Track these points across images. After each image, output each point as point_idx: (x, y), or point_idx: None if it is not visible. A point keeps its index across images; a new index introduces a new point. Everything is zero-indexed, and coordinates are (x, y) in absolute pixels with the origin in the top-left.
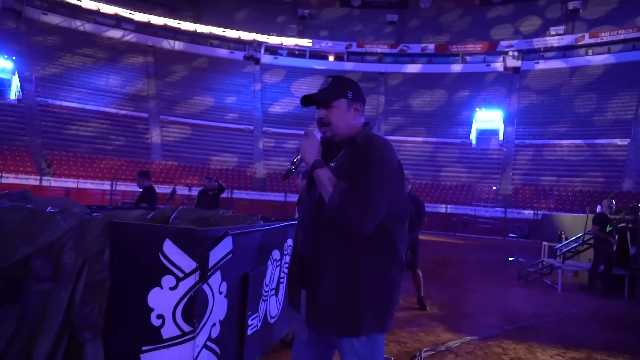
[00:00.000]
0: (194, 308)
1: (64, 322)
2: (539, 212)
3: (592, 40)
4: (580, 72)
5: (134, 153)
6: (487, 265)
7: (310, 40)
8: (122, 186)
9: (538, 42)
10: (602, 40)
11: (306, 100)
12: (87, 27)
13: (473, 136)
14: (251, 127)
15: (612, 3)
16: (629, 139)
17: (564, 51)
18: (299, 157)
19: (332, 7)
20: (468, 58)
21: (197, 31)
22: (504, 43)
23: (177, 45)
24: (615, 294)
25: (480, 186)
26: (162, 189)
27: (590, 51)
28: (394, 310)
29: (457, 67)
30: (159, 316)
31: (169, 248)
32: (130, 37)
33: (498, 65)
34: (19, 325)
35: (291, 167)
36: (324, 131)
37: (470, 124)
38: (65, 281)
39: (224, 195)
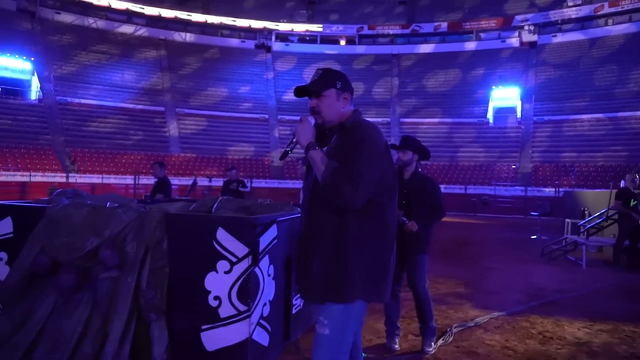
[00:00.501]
0: (248, 289)
1: (133, 305)
2: (560, 189)
3: (612, 10)
4: (600, 44)
5: (153, 147)
6: (509, 244)
7: (321, 25)
8: (144, 180)
9: (555, 15)
10: (623, 9)
11: (299, 92)
12: (100, 23)
13: (490, 115)
14: (266, 116)
15: None
16: None
17: (582, 22)
18: (294, 140)
19: None
20: (482, 35)
21: (207, 22)
22: (519, 17)
23: (189, 37)
24: (638, 267)
25: (499, 165)
26: (183, 180)
27: (610, 21)
28: (389, 279)
29: (471, 45)
30: (216, 297)
31: (222, 235)
32: (142, 31)
33: (514, 41)
34: (93, 309)
35: (287, 149)
36: (316, 119)
37: (487, 103)
38: (130, 269)
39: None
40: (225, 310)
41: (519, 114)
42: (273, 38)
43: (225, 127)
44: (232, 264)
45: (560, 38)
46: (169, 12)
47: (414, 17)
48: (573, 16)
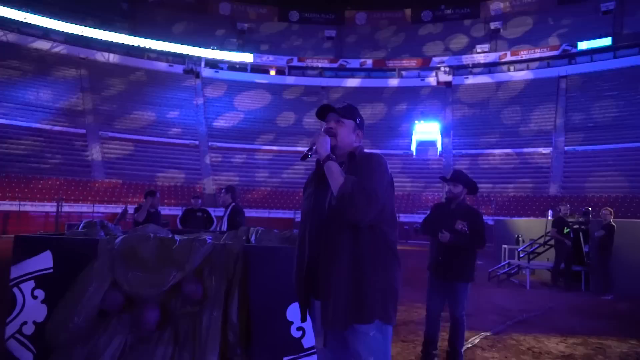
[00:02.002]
0: None
1: (222, 341)
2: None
3: (513, 58)
4: (505, 87)
5: (74, 171)
6: None
7: (252, 55)
8: (66, 207)
9: (466, 59)
10: (522, 58)
11: (321, 112)
12: (11, 37)
13: (413, 147)
14: (196, 142)
15: (527, 24)
16: (551, 148)
17: (490, 67)
18: (314, 147)
19: (270, 21)
20: (404, 73)
21: (134, 44)
22: (436, 59)
23: (112, 57)
24: (575, 288)
25: (425, 195)
26: (110, 208)
27: (512, 67)
28: (397, 304)
29: (394, 82)
30: (299, 328)
31: None
32: (60, 48)
33: (432, 80)
34: (176, 346)
35: (308, 152)
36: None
37: (411, 136)
38: (214, 303)
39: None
40: (310, 340)
41: (439, 147)
42: (202, 64)
43: (154, 152)
44: None
45: (471, 80)
46: (92, 30)
47: (342, 52)
48: (482, 61)
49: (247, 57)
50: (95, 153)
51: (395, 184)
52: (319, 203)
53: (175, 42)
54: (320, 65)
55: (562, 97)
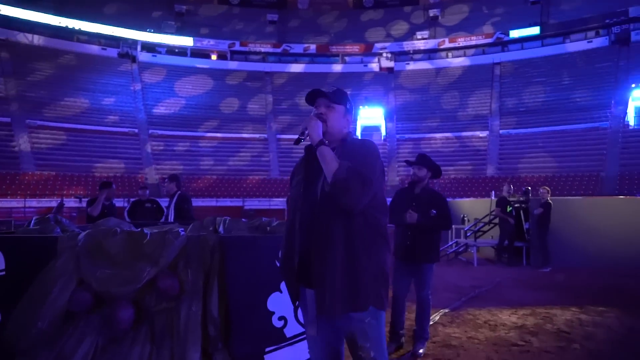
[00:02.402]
0: None
1: (203, 335)
2: None
3: (451, 45)
4: (444, 73)
5: (0, 163)
6: None
7: (191, 38)
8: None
9: (407, 45)
10: (459, 45)
11: (310, 97)
12: None
13: (358, 133)
14: (136, 130)
15: (463, 12)
16: (487, 131)
17: (429, 54)
18: (306, 132)
19: (210, 3)
20: (347, 58)
21: (61, 25)
22: (378, 45)
23: (37, 39)
24: (517, 263)
25: None
26: (43, 202)
27: (450, 54)
28: (388, 289)
29: (338, 67)
30: (281, 318)
31: None
32: None
33: (374, 66)
34: (153, 344)
35: (301, 137)
36: None
37: (355, 121)
38: (191, 297)
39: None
40: (292, 329)
41: (383, 132)
42: (139, 48)
43: (89, 141)
44: None
45: (412, 66)
46: (12, 9)
47: (285, 37)
48: (422, 48)
49: (187, 41)
50: (23, 143)
51: None
52: (310, 189)
53: (107, 24)
54: (263, 50)
55: (497, 83)
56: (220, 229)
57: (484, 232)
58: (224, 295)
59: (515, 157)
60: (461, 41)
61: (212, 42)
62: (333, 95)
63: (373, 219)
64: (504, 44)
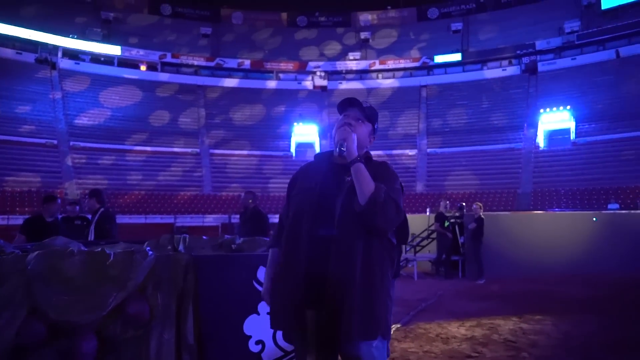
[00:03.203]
0: None
1: None
2: None
3: (382, 67)
4: (374, 93)
5: None
6: None
7: (119, 47)
8: None
9: (340, 65)
10: (389, 67)
11: (344, 104)
12: None
13: (293, 149)
14: (55, 142)
15: (393, 37)
16: (416, 150)
17: (361, 74)
18: (345, 144)
19: (140, 13)
20: (281, 75)
21: None
22: (312, 64)
23: None
24: (454, 275)
25: None
26: None
27: (380, 75)
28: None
29: (272, 84)
30: (258, 342)
31: (264, 274)
32: None
33: (308, 84)
34: None
35: (342, 149)
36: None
37: (290, 138)
38: (163, 323)
39: None
40: (270, 354)
41: (317, 149)
42: (60, 54)
43: (1, 153)
44: None
45: (345, 85)
46: None
47: (219, 51)
48: (354, 68)
49: (114, 50)
50: None
51: (276, 185)
52: (328, 202)
53: (24, 27)
54: (196, 63)
55: (424, 104)
56: (180, 247)
57: (423, 246)
58: (197, 320)
59: (442, 175)
60: (390, 63)
61: (141, 52)
62: (368, 111)
63: (388, 242)
64: (429, 68)
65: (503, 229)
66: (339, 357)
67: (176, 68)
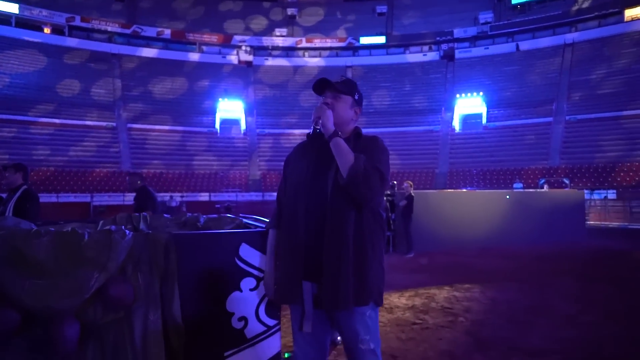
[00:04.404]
0: None
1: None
2: None
3: (308, 45)
4: (301, 71)
5: None
6: None
7: (16, 5)
8: None
9: (266, 41)
10: (315, 46)
11: (318, 86)
12: None
13: (217, 125)
14: None
15: (319, 15)
16: None
17: (287, 51)
18: (320, 121)
19: None
20: (205, 48)
21: None
22: (237, 37)
23: None
24: (385, 250)
25: (232, 173)
26: None
27: (307, 54)
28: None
29: (195, 56)
30: (241, 318)
31: (246, 251)
32: None
33: (233, 58)
34: None
35: (316, 127)
36: None
37: (215, 113)
38: (146, 304)
39: None
40: (253, 329)
41: (243, 126)
42: None
43: None
44: (259, 279)
45: (271, 62)
46: None
47: (135, 18)
48: (280, 44)
49: (11, 7)
50: None
51: (201, 162)
52: (320, 179)
53: None
54: (110, 29)
55: None
56: (142, 226)
57: None
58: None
59: None
60: (317, 42)
61: (44, 12)
62: (341, 85)
63: (378, 215)
64: (355, 49)
65: (430, 207)
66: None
67: (87, 33)
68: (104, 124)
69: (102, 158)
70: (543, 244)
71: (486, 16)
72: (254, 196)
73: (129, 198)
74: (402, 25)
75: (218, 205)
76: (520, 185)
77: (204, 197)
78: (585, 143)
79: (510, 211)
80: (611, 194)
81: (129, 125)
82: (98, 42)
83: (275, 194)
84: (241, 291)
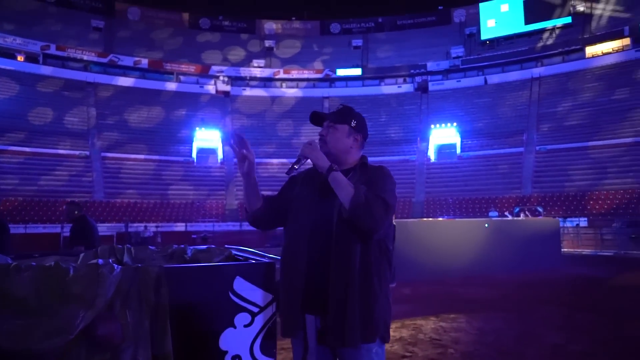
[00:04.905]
0: (273, 338)
1: None
2: None
3: (286, 76)
4: (279, 101)
5: None
6: None
7: None
8: None
9: (244, 71)
10: (293, 77)
11: (314, 118)
12: None
13: (194, 154)
14: None
15: (296, 47)
16: None
17: (265, 82)
18: (303, 160)
19: None
20: (182, 78)
21: None
22: (215, 68)
23: None
24: None
25: (209, 202)
26: None
27: (284, 84)
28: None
29: (172, 86)
30: (235, 357)
31: (241, 285)
32: None
33: (211, 88)
34: None
35: (295, 165)
36: (321, 146)
37: (191, 143)
38: (135, 343)
39: None
40: None
41: (220, 155)
42: None
43: None
44: (254, 315)
45: (249, 92)
46: None
47: (112, 47)
48: (258, 75)
49: None
50: None
51: (177, 192)
52: (325, 212)
53: None
54: (86, 57)
55: None
56: (126, 259)
57: None
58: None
59: None
60: (295, 73)
61: (19, 40)
62: (334, 116)
63: (385, 247)
64: (331, 81)
65: (411, 235)
66: None
67: (62, 62)
68: (77, 152)
69: (75, 187)
70: (522, 272)
71: (457, 51)
72: (231, 226)
73: (102, 228)
74: (377, 58)
75: (194, 236)
76: (496, 213)
77: (180, 227)
78: (556, 172)
79: (489, 239)
80: (583, 222)
81: (103, 154)
82: (73, 71)
83: None
84: (235, 327)
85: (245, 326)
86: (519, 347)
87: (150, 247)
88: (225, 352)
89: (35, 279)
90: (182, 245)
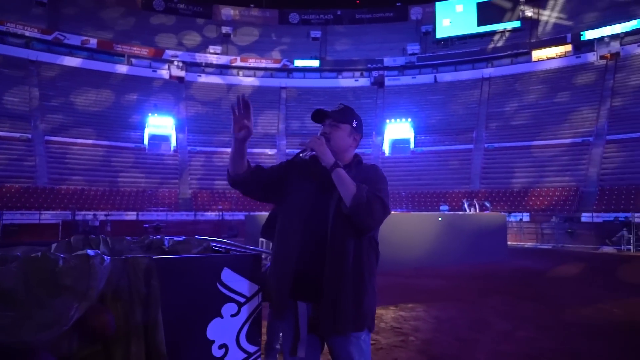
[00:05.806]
0: (259, 327)
1: None
2: (222, 213)
3: (243, 64)
4: (235, 89)
5: None
6: None
7: None
8: None
9: (200, 57)
10: (250, 65)
11: (316, 115)
12: None
13: (146, 141)
14: None
15: (254, 35)
16: (275, 149)
17: (221, 69)
18: (308, 152)
19: None
20: (134, 60)
21: None
22: (169, 52)
23: None
24: None
25: (161, 191)
26: None
27: (241, 73)
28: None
29: (123, 68)
30: (222, 346)
31: (229, 276)
32: None
33: (164, 73)
34: None
35: (300, 154)
36: None
37: (143, 129)
38: (128, 334)
39: None
40: (234, 357)
41: (173, 143)
42: None
43: None
44: (240, 305)
45: (204, 78)
46: None
47: (57, 24)
48: (214, 62)
49: None
50: None
51: (127, 179)
52: (322, 206)
53: None
54: (27, 33)
55: (283, 106)
56: (103, 249)
57: None
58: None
59: None
60: (252, 62)
61: None
62: (337, 114)
63: (374, 241)
64: (289, 71)
65: None
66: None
67: (1, 37)
68: (17, 135)
69: (15, 172)
70: (471, 264)
71: (413, 48)
72: (185, 215)
73: (46, 216)
74: (335, 51)
75: (147, 225)
76: (447, 207)
77: (131, 216)
78: (502, 169)
79: (442, 233)
80: (525, 217)
81: (47, 137)
82: (13, 47)
83: (207, 213)
84: (222, 317)
85: (232, 316)
86: (473, 333)
87: (127, 237)
88: (212, 342)
89: (23, 270)
90: (159, 236)
